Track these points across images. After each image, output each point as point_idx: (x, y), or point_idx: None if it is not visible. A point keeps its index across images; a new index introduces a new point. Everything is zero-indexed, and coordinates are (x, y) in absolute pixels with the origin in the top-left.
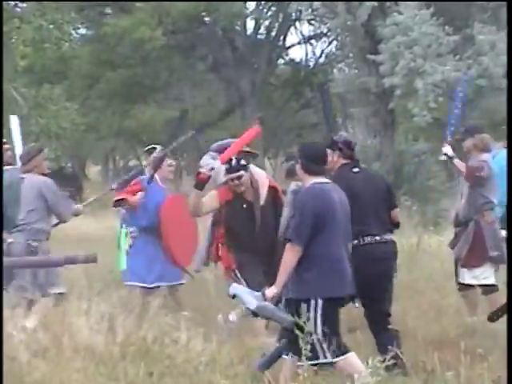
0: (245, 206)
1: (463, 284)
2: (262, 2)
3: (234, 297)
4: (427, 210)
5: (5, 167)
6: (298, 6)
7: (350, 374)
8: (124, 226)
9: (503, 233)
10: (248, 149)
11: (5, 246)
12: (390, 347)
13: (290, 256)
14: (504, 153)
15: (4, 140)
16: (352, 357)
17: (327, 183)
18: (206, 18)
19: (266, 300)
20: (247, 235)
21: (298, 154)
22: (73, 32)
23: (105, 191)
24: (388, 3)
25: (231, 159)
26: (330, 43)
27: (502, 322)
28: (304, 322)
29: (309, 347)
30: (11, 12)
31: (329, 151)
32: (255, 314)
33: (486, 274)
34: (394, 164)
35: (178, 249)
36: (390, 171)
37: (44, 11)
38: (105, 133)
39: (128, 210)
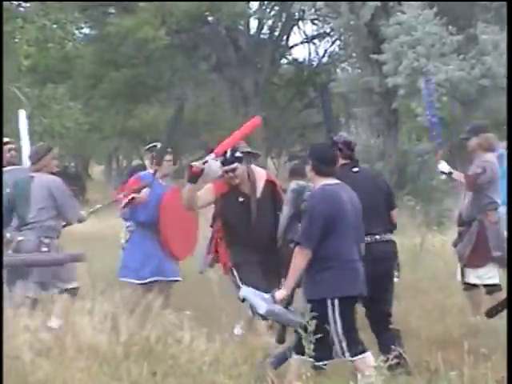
0: (241, 198)
1: (468, 284)
2: (265, 2)
3: (243, 300)
4: (430, 209)
5: (9, 167)
6: (301, 5)
7: (361, 373)
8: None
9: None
10: (249, 149)
11: (14, 244)
12: (392, 347)
13: (299, 259)
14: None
15: (8, 139)
16: (369, 356)
17: (337, 184)
18: (209, 18)
19: (275, 302)
20: (243, 228)
21: (307, 155)
22: (76, 32)
23: (110, 200)
24: (391, 3)
25: (226, 152)
26: (333, 43)
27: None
28: (307, 322)
29: (315, 346)
30: (14, 12)
31: None
32: (265, 317)
33: (490, 274)
34: (397, 164)
35: (175, 241)
36: (393, 171)
37: (47, 11)
38: (108, 132)
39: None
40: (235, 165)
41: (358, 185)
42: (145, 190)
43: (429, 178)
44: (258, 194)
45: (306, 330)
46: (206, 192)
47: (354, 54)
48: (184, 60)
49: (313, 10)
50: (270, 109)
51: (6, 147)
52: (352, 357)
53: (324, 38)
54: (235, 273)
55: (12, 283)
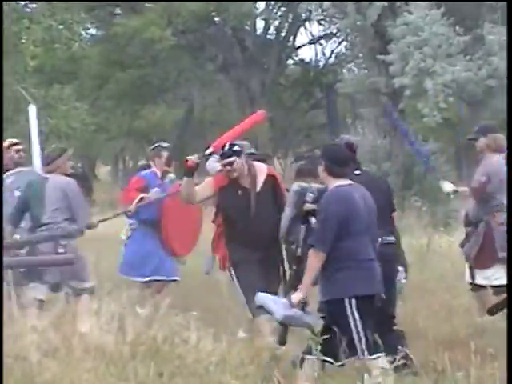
0: (240, 192)
1: (475, 284)
2: (272, 2)
3: (260, 307)
4: (437, 210)
5: (17, 169)
6: (308, 6)
7: (370, 374)
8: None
9: None
10: (253, 150)
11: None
12: (399, 347)
13: (313, 262)
14: None
15: (17, 140)
16: (383, 357)
17: (350, 185)
18: (216, 18)
19: (292, 306)
20: (242, 222)
21: (320, 156)
22: (83, 32)
23: (121, 212)
24: (398, 3)
25: (224, 146)
26: (339, 43)
27: None
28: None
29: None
30: (21, 12)
31: None
32: (283, 324)
33: (497, 275)
34: (403, 164)
35: (176, 238)
36: (399, 171)
37: (54, 11)
38: (115, 133)
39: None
40: (233, 158)
41: None
42: (155, 189)
43: (435, 178)
44: (258, 187)
45: (325, 331)
46: (206, 186)
47: (360, 55)
48: (190, 60)
49: (319, 10)
50: (277, 109)
51: (14, 148)
52: (370, 355)
53: (330, 38)
54: (232, 272)
55: (24, 284)
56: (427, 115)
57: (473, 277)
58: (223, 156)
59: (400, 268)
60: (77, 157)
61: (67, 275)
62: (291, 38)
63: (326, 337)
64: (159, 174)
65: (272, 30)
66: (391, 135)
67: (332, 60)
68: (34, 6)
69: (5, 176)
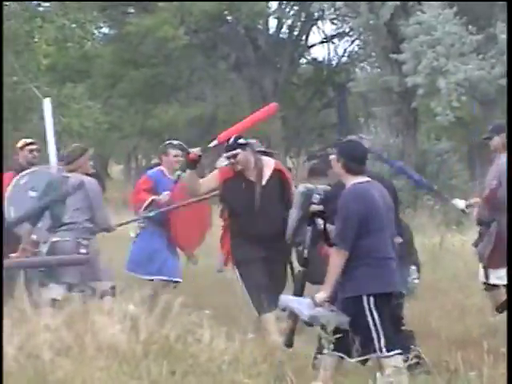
0: (244, 185)
1: (489, 284)
2: (285, 1)
3: (284, 309)
4: (450, 209)
5: (32, 169)
6: (321, 5)
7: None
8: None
9: None
10: (263, 148)
11: (48, 246)
12: (412, 347)
13: (336, 260)
14: None
15: (31, 140)
16: (400, 355)
17: (368, 182)
18: (229, 17)
19: (316, 306)
20: (246, 216)
21: (337, 153)
22: (95, 31)
23: (137, 218)
24: (411, 2)
25: (230, 138)
26: (352, 42)
27: None
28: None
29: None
30: (34, 11)
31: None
32: (309, 324)
33: None
34: (416, 163)
35: (183, 234)
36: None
37: (66, 10)
38: (127, 132)
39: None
40: (237, 151)
41: None
42: (166, 192)
43: (448, 177)
44: (264, 181)
45: (338, 330)
46: (211, 178)
47: (373, 54)
48: (203, 59)
49: (332, 9)
50: (289, 108)
51: (28, 147)
52: (388, 352)
53: (343, 37)
54: (236, 271)
55: (44, 284)
56: (440, 114)
57: (487, 276)
58: (228, 148)
59: (413, 267)
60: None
61: (88, 276)
62: (304, 37)
63: (338, 336)
64: (166, 171)
65: (285, 28)
66: (404, 134)
67: (345, 59)
68: (47, 5)
69: (19, 176)
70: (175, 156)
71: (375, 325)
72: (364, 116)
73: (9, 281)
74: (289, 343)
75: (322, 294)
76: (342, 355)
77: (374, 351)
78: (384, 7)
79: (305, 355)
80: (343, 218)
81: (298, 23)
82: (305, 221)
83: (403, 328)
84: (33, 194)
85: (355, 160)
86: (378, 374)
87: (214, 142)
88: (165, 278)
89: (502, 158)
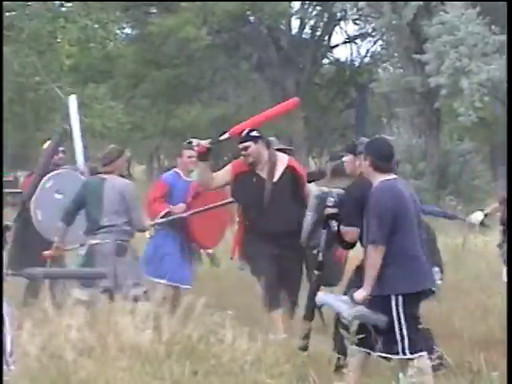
0: (255, 179)
1: None
2: (307, 2)
3: (321, 306)
4: (472, 209)
5: (57, 171)
6: (343, 5)
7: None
8: None
9: None
10: (281, 146)
11: (86, 248)
12: (434, 347)
13: (374, 257)
14: None
15: None
16: (425, 356)
17: (395, 179)
18: (251, 18)
19: (355, 304)
20: (255, 211)
21: (365, 151)
22: (118, 31)
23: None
24: (434, 2)
25: (243, 130)
26: (375, 43)
27: None
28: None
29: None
30: (56, 11)
31: (351, 156)
32: (350, 322)
33: None
34: (439, 164)
35: (201, 231)
36: (435, 171)
37: (89, 11)
38: (150, 132)
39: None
40: (248, 143)
41: None
42: (180, 204)
43: (470, 177)
44: (276, 177)
45: (361, 329)
46: (224, 172)
47: (396, 54)
48: (225, 60)
49: (355, 9)
50: (312, 109)
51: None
52: (411, 354)
53: (366, 37)
54: (247, 266)
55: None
56: (463, 114)
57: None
58: (240, 140)
59: (436, 269)
60: None
61: (122, 280)
62: (326, 38)
63: (361, 336)
64: (182, 173)
65: (307, 29)
66: (426, 134)
67: (367, 59)
68: (70, 5)
69: (44, 179)
70: (189, 157)
71: (400, 326)
72: (387, 116)
73: (33, 282)
74: (304, 348)
75: (361, 292)
76: (367, 350)
77: (397, 353)
78: (407, 7)
79: (327, 356)
80: (377, 216)
81: (321, 23)
82: (320, 224)
83: (420, 327)
84: (59, 196)
85: (383, 158)
86: (400, 375)
87: (225, 136)
88: (177, 284)
89: None
